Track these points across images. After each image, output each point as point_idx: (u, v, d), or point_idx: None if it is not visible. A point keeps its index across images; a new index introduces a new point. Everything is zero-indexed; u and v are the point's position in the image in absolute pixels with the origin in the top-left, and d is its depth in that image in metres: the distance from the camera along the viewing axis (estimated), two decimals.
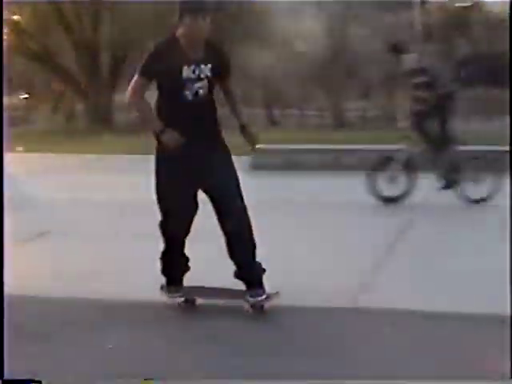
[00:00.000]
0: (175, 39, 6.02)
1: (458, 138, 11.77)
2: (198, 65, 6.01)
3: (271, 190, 13.58)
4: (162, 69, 5.96)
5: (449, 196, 11.46)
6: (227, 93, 6.35)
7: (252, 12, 35.93)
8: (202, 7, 5.95)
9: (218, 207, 6.23)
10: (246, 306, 6.26)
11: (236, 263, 6.29)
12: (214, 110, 6.24)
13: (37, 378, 3.65)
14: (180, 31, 5.94)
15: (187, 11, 5.88)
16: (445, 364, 5.39)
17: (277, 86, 35.03)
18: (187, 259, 6.52)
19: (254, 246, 6.28)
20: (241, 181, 6.96)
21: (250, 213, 6.60)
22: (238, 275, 6.32)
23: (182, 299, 6.49)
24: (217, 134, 6.26)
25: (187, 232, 6.32)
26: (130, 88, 6.02)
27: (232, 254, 6.30)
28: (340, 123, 31.26)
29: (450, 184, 11.42)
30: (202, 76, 6.04)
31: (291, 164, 16.43)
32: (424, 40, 28.56)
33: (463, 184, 11.45)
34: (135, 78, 5.98)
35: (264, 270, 6.27)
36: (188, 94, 6.04)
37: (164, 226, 6.32)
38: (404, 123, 13.40)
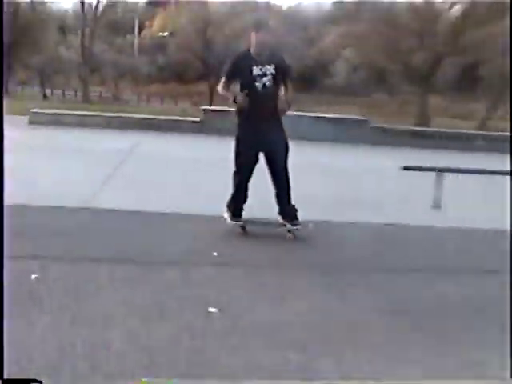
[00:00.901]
0: (247, 50, 6.98)
1: None
2: (263, 65, 6.85)
3: (40, 137, 15.41)
4: (239, 71, 6.87)
5: None
6: (285, 81, 6.98)
7: None
8: (265, 27, 7.02)
9: (270, 166, 7.11)
10: (289, 234, 7.08)
11: (279, 205, 7.17)
12: (277, 97, 7.04)
13: (37, 378, 2.98)
14: (252, 43, 6.88)
15: (257, 30, 6.87)
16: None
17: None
18: (247, 198, 7.24)
19: (290, 195, 7.12)
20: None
21: None
22: (281, 214, 7.17)
23: (241, 226, 7.23)
24: (276, 113, 7.05)
25: (250, 178, 7.12)
26: (219, 84, 7.02)
27: (277, 198, 7.16)
28: (86, 100, 35.37)
29: None
30: (268, 73, 6.87)
31: (57, 122, 18.60)
32: None
33: None
34: (221, 79, 7.02)
35: (297, 210, 7.15)
36: (258, 85, 6.85)
37: (236, 175, 7.17)
38: None
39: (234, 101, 6.95)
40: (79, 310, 4.56)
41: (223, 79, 7.08)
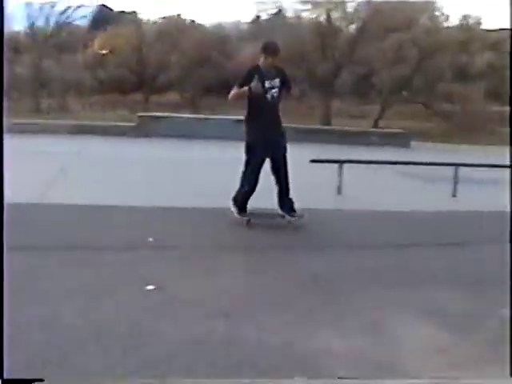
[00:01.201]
0: (257, 66, 6.86)
1: None
2: (272, 79, 6.86)
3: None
4: (253, 81, 6.78)
5: None
6: (287, 93, 7.15)
7: None
8: (274, 51, 6.86)
9: (274, 166, 7.05)
10: (289, 224, 7.00)
11: (279, 198, 7.10)
12: (279, 105, 7.13)
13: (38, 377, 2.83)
14: (261, 62, 6.84)
15: (266, 52, 6.81)
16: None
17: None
18: (253, 192, 7.12)
19: (288, 189, 7.09)
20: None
21: None
22: (280, 206, 7.09)
23: (246, 219, 7.04)
24: (280, 119, 7.15)
25: (259, 176, 7.05)
26: (231, 91, 6.76)
27: (278, 192, 7.09)
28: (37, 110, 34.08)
29: None
30: (275, 86, 6.89)
31: (10, 130, 18.74)
32: None
33: None
34: (235, 87, 6.82)
35: (294, 202, 7.12)
36: (268, 96, 6.85)
37: (246, 177, 7.04)
38: None
39: (250, 91, 6.69)
40: (34, 290, 4.41)
41: (236, 87, 6.90)
